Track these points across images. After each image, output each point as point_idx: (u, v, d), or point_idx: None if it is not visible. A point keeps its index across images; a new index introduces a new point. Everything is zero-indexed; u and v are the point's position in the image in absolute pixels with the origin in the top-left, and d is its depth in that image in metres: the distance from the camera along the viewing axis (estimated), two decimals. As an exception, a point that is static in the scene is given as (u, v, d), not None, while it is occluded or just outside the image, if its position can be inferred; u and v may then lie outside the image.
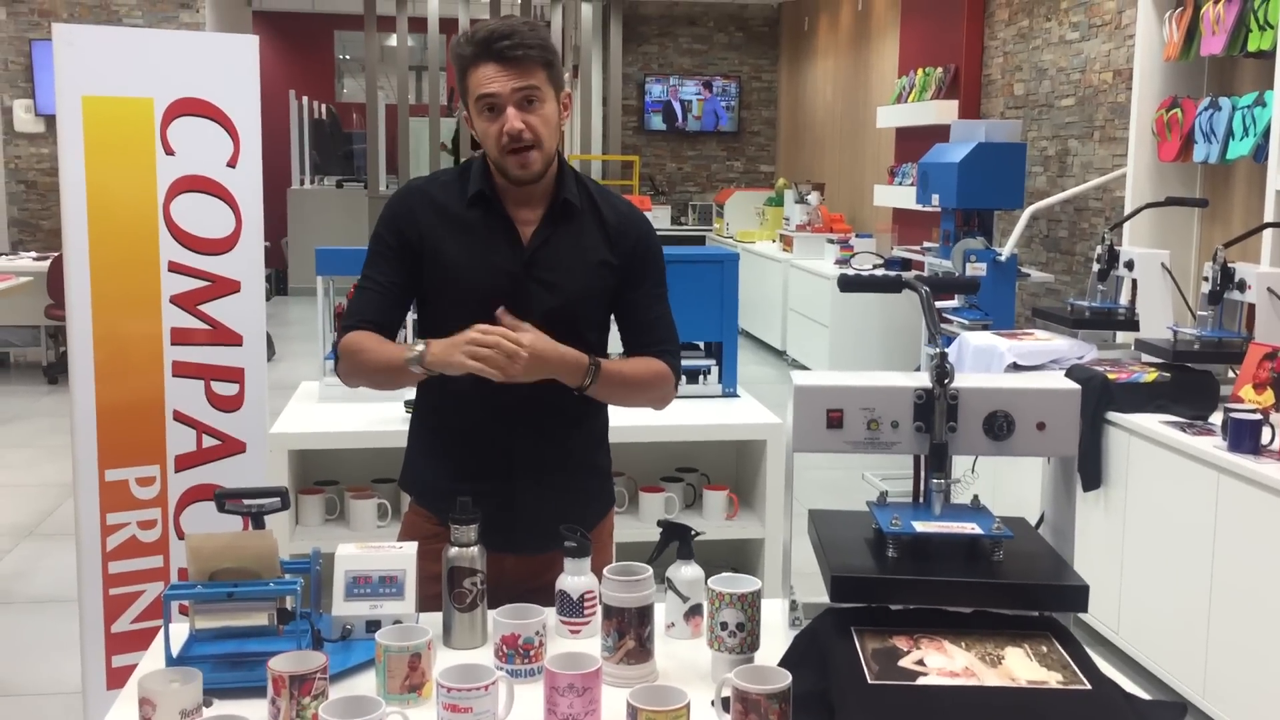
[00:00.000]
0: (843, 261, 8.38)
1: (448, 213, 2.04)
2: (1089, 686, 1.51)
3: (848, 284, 2.03)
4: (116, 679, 2.85)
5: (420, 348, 1.90)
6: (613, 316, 2.14)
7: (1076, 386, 1.79)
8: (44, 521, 5.20)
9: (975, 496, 1.84)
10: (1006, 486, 4.25)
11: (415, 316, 2.22)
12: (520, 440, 2.06)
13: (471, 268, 2.00)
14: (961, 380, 1.75)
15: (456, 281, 2.00)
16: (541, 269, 2.03)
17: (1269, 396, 3.43)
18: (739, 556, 3.36)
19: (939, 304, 5.31)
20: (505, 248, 2.03)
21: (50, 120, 9.76)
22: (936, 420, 1.74)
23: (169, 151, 2.83)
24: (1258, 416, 3.19)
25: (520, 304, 2.01)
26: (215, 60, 2.88)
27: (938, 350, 1.74)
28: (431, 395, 2.12)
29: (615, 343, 2.19)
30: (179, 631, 1.77)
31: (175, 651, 1.73)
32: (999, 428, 1.75)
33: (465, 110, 2.02)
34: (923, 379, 1.77)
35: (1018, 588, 1.67)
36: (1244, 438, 3.17)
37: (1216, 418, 3.48)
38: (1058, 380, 1.83)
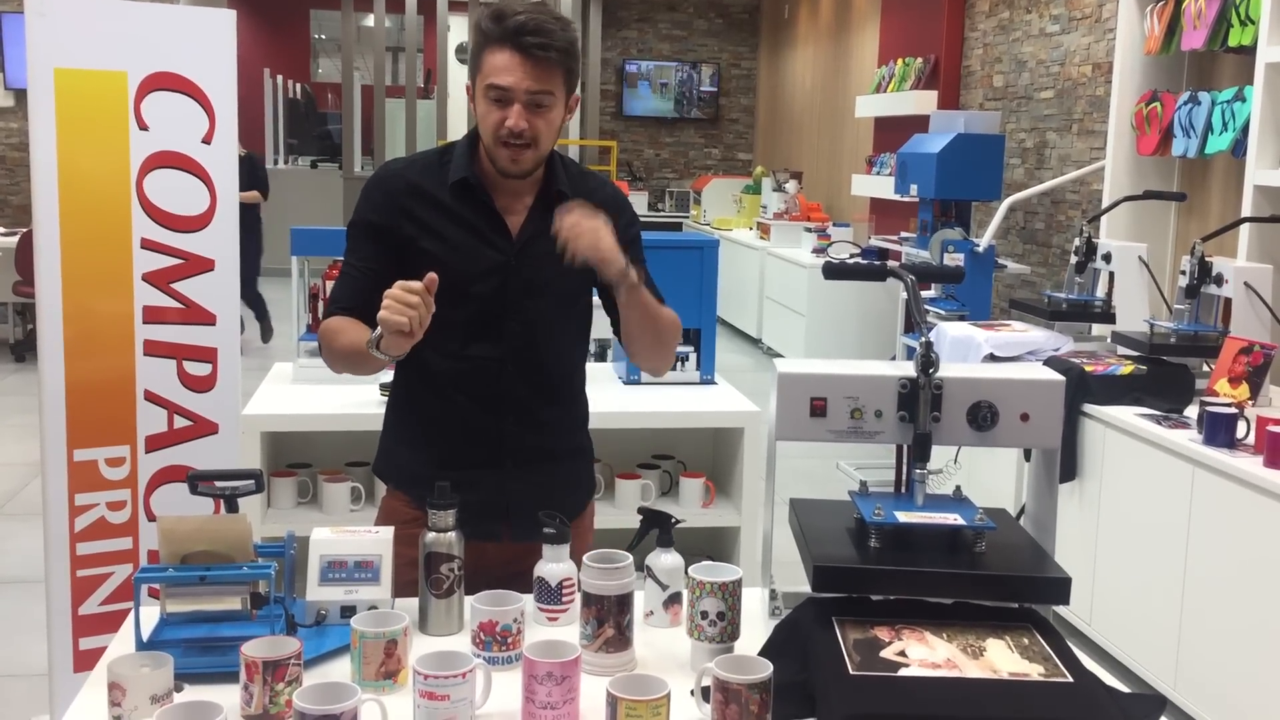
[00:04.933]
0: (820, 250, 8.38)
1: (429, 199, 1.99)
2: (1071, 679, 1.50)
3: (832, 271, 2.01)
4: (83, 661, 2.81)
5: (378, 331, 1.82)
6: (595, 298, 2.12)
7: (1060, 378, 1.78)
8: (10, 501, 5.13)
9: (958, 487, 1.83)
10: (980, 477, 4.26)
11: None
12: (510, 428, 2.04)
13: (457, 258, 1.96)
14: (946, 370, 1.74)
15: (440, 272, 1.96)
16: (531, 261, 2.00)
17: (1244, 390, 3.45)
18: (714, 544, 3.35)
19: (916, 294, 5.31)
20: (492, 238, 1.99)
21: (19, 94, 9.63)
22: (920, 410, 1.73)
23: (143, 126, 2.78)
24: (1233, 410, 3.20)
25: (508, 296, 1.99)
26: (191, 34, 2.82)
27: (922, 339, 1.72)
28: (410, 382, 2.09)
29: (600, 332, 2.17)
30: (149, 615, 1.74)
31: (145, 635, 1.70)
32: (983, 418, 1.74)
33: (470, 82, 1.97)
34: (907, 368, 1.76)
35: (1000, 579, 1.66)
36: (1219, 431, 3.18)
37: (1192, 411, 3.50)
38: (1042, 371, 1.82)
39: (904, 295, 6.01)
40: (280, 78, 13.31)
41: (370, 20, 12.63)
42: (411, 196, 2.00)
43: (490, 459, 2.03)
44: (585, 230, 1.82)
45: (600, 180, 2.13)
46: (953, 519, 1.72)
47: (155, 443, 2.88)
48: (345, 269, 2.04)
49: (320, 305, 3.39)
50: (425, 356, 2.01)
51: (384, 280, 1.97)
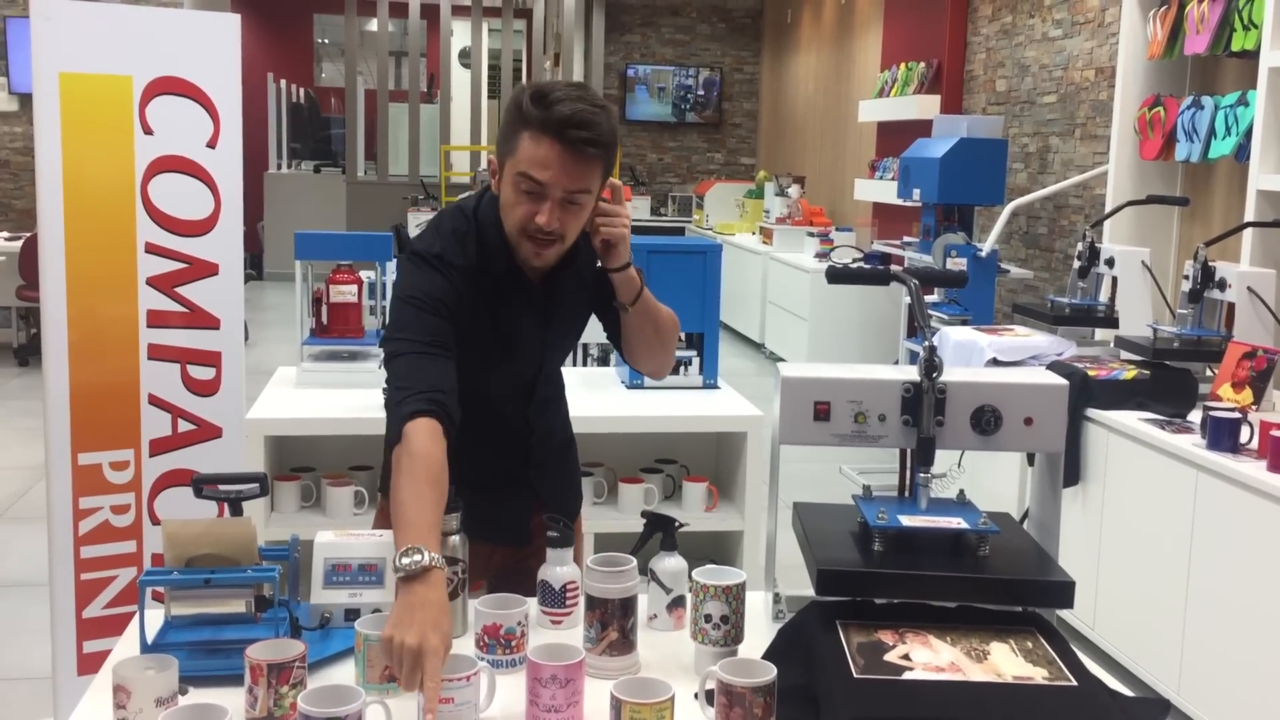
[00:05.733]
0: (823, 255, 8.38)
1: (474, 279, 1.91)
2: (1074, 683, 1.50)
3: (836, 275, 2.01)
4: (87, 665, 2.82)
5: (417, 561, 1.55)
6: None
7: (1064, 382, 1.78)
8: (14, 504, 5.14)
9: (961, 491, 1.83)
10: (983, 481, 4.26)
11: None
12: (534, 452, 2.08)
13: (495, 327, 1.95)
14: (950, 374, 1.75)
15: (476, 338, 1.94)
16: (557, 310, 2.01)
17: (1247, 395, 3.45)
18: (717, 548, 3.35)
19: (919, 298, 5.30)
20: (524, 301, 1.97)
21: (24, 99, 9.64)
22: (924, 414, 1.73)
23: (147, 131, 2.79)
24: (1236, 415, 3.20)
25: (545, 354, 2.03)
26: (196, 39, 2.83)
27: (926, 343, 1.73)
28: None
29: (593, 334, 2.18)
30: (154, 618, 1.74)
31: (150, 638, 1.70)
32: (986, 422, 1.74)
33: (495, 161, 1.86)
34: (911, 372, 1.76)
35: (1004, 583, 1.66)
36: (1222, 436, 3.18)
37: (1195, 416, 3.49)
38: (1046, 375, 1.82)
39: (907, 300, 6.01)
40: (284, 82, 13.32)
41: (373, 25, 12.65)
42: (464, 279, 1.90)
43: (517, 478, 2.08)
44: (622, 222, 1.89)
45: None
46: (956, 523, 1.72)
47: (159, 446, 2.89)
48: (429, 306, 1.84)
49: (324, 310, 3.37)
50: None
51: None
